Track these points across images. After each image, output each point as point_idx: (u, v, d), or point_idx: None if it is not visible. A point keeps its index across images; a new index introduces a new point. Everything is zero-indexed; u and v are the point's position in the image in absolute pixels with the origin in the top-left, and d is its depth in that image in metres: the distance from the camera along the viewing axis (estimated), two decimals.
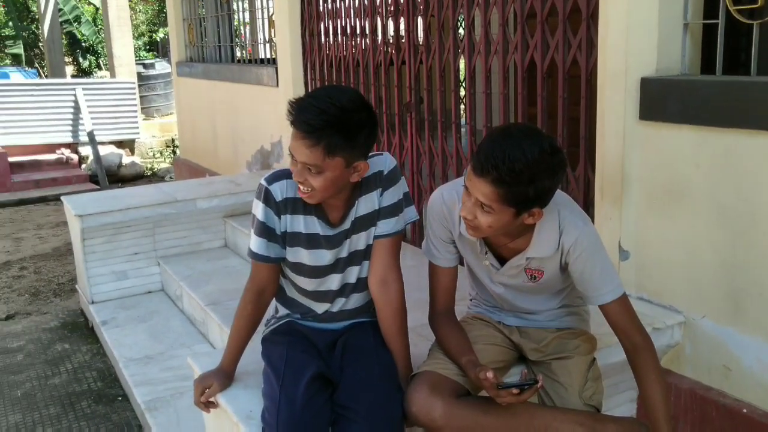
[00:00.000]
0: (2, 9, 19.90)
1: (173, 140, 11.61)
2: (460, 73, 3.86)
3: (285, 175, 2.01)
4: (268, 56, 6.03)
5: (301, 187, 1.91)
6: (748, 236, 2.34)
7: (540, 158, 1.73)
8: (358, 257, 2.09)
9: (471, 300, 2.34)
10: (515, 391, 1.78)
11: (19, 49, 18.74)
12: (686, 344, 2.61)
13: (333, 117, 1.79)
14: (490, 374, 1.79)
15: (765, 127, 2.22)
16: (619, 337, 2.00)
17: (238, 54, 6.97)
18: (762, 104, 2.22)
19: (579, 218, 1.96)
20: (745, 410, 2.41)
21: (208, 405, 2.14)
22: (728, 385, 2.49)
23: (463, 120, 4.28)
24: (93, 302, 4.52)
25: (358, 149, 1.88)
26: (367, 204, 2.04)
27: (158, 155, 11.62)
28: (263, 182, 2.02)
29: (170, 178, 9.60)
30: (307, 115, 1.80)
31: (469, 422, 1.88)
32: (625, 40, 2.59)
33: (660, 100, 2.52)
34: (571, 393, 1.98)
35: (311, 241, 2.04)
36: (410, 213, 2.12)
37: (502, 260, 2.04)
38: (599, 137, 2.77)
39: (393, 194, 2.06)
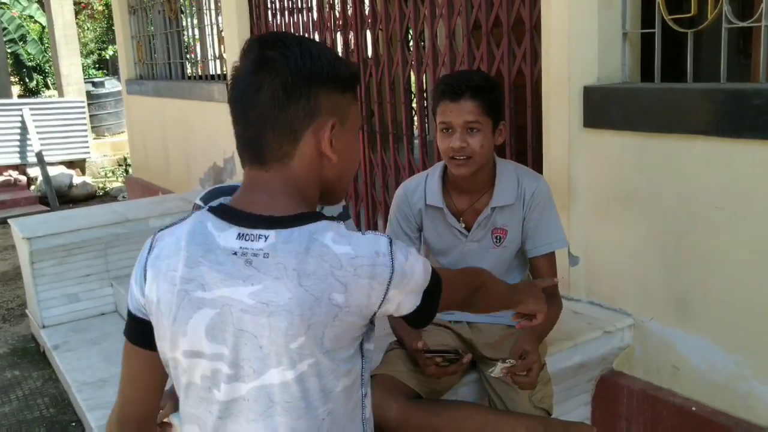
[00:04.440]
0: None
1: (125, 159, 11.41)
2: (412, 85, 3.89)
3: (222, 192, 1.99)
4: (219, 72, 5.99)
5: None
6: (689, 239, 2.40)
7: (485, 75, 2.14)
8: None
9: None
10: (438, 359, 1.94)
11: None
12: (636, 346, 2.66)
13: None
14: (420, 343, 1.95)
15: (701, 132, 2.28)
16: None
17: (189, 71, 6.91)
18: (697, 110, 2.29)
19: (534, 173, 2.21)
20: (694, 408, 2.46)
21: (163, 426, 2.11)
22: (678, 385, 2.55)
23: (414, 132, 4.31)
24: (44, 326, 4.40)
25: None
26: None
27: (110, 174, 11.43)
28: (199, 203, 1.99)
29: (123, 197, 9.44)
30: None
31: (422, 423, 1.92)
32: (567, 50, 2.65)
33: (602, 108, 2.58)
34: (522, 396, 2.01)
35: None
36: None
37: (469, 229, 2.17)
38: (545, 145, 2.82)
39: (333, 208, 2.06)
